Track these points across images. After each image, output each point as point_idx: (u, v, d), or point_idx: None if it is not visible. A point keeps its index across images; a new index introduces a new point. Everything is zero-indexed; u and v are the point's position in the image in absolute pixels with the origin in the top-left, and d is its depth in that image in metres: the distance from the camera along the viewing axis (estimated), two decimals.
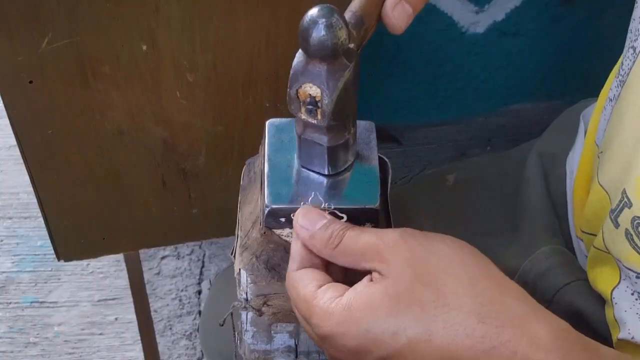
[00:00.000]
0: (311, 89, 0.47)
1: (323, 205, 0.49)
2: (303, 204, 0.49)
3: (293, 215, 0.49)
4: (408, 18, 0.49)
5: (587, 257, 0.62)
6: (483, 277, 0.44)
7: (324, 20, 0.45)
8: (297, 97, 0.47)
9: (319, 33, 0.45)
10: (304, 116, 0.48)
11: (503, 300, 0.43)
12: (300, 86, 0.47)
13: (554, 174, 0.69)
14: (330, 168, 0.51)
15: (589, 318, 0.59)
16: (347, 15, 0.48)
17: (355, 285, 0.45)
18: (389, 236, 0.45)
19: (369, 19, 0.49)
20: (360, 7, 0.49)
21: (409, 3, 0.49)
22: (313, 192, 0.50)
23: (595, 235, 0.56)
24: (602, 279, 0.55)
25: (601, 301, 0.58)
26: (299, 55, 0.47)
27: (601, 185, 0.53)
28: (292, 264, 0.48)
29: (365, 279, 0.45)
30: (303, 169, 0.52)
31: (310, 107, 0.47)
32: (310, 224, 0.47)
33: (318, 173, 0.52)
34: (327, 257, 0.47)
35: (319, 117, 0.47)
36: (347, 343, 0.44)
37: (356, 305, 0.44)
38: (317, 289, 0.46)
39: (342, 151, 0.51)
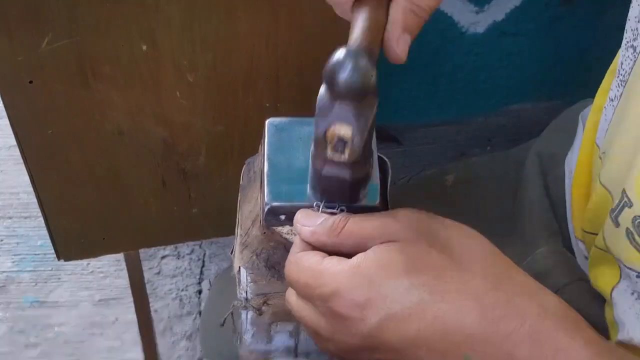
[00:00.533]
0: (341, 130, 0.46)
1: (337, 209, 0.49)
2: (315, 203, 0.49)
3: (294, 214, 0.49)
4: (408, 47, 0.50)
5: (586, 257, 0.62)
6: (493, 253, 0.45)
7: (352, 63, 0.44)
8: (324, 137, 0.46)
9: (349, 76, 0.44)
10: (329, 155, 0.47)
11: (513, 274, 0.44)
12: (329, 127, 0.46)
13: (553, 174, 0.69)
14: (350, 201, 0.51)
15: (588, 319, 0.59)
16: (354, 45, 0.47)
17: (365, 251, 0.44)
18: (397, 213, 0.45)
19: (375, 48, 0.49)
20: (365, 36, 0.48)
21: (408, 33, 0.50)
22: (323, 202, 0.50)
23: (596, 234, 0.56)
24: (603, 278, 0.55)
25: (600, 302, 0.58)
26: (322, 95, 0.46)
27: (603, 185, 0.53)
28: (294, 248, 0.47)
29: (376, 246, 0.44)
30: (304, 168, 0.52)
31: (339, 146, 0.47)
32: (311, 221, 0.47)
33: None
34: (333, 245, 0.46)
35: (347, 155, 0.46)
36: (355, 298, 0.43)
37: (367, 263, 0.43)
38: (322, 258, 0.45)
39: (363, 183, 0.50)
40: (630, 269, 0.50)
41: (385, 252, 0.43)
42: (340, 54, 0.45)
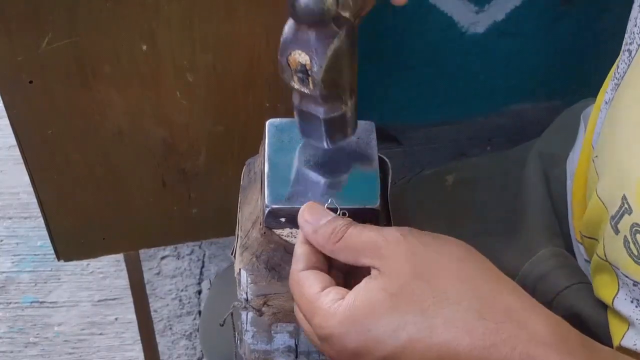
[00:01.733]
0: (300, 56, 0.46)
1: (339, 212, 0.49)
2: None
3: (294, 217, 0.49)
4: None
5: (586, 260, 0.61)
6: (480, 274, 0.45)
7: None
8: (289, 65, 0.46)
9: (305, 1, 0.44)
10: (296, 85, 0.47)
11: (501, 297, 0.44)
12: (290, 53, 0.46)
13: (554, 175, 0.69)
14: (328, 141, 0.51)
15: (589, 321, 0.58)
16: None
17: (356, 287, 0.45)
18: (390, 233, 0.46)
19: None
20: None
21: None
22: (330, 199, 0.50)
23: (596, 239, 0.56)
24: (604, 289, 0.55)
25: (601, 304, 0.58)
26: (289, 23, 0.46)
27: (599, 196, 0.53)
28: (298, 263, 0.48)
29: (366, 278, 0.45)
30: (304, 169, 0.52)
31: (301, 75, 0.47)
32: (315, 219, 0.48)
33: (317, 146, 0.51)
34: (329, 252, 0.47)
35: (311, 85, 0.46)
36: (347, 344, 0.44)
37: (357, 304, 0.44)
38: (320, 291, 0.46)
39: (340, 124, 0.50)
40: (627, 277, 0.50)
41: (373, 291, 0.44)
42: None
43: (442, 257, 0.45)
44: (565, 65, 1.21)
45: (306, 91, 0.47)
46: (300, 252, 0.48)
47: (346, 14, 0.46)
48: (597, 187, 0.54)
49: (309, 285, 0.46)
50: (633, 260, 0.48)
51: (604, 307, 0.58)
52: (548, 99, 1.24)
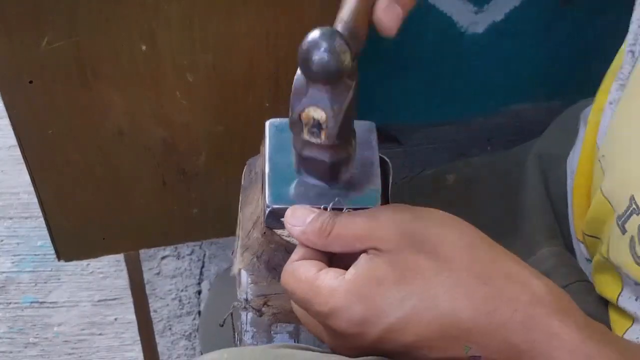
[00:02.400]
0: (315, 112, 0.46)
1: (345, 210, 0.49)
2: (323, 207, 0.49)
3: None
4: (399, 19, 0.49)
5: (587, 260, 0.62)
6: (477, 243, 0.45)
7: (326, 44, 0.43)
8: (300, 119, 0.46)
9: (321, 58, 0.43)
10: (306, 137, 0.47)
11: (500, 263, 0.44)
12: (304, 109, 0.46)
13: (554, 175, 0.69)
14: (332, 182, 0.51)
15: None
16: (339, 26, 0.46)
17: (356, 263, 0.45)
18: (380, 215, 0.46)
19: (362, 28, 0.48)
20: (352, 16, 0.47)
21: (398, 4, 0.49)
22: (337, 198, 0.50)
23: (599, 238, 0.56)
24: (607, 287, 0.55)
25: (601, 303, 0.58)
26: (299, 76, 0.46)
27: (604, 195, 0.53)
28: (293, 256, 0.48)
29: (364, 255, 0.45)
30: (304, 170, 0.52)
31: (314, 129, 0.46)
32: (300, 221, 0.48)
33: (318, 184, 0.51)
34: (323, 247, 0.47)
35: (323, 138, 0.46)
36: (352, 316, 0.44)
37: (360, 278, 0.44)
38: (318, 271, 0.46)
39: (344, 165, 0.50)
40: (628, 277, 0.50)
41: (375, 265, 0.44)
42: (314, 34, 0.44)
43: (438, 229, 0.45)
44: (565, 66, 1.21)
45: (317, 141, 0.47)
46: (296, 249, 0.49)
47: (355, 63, 0.46)
48: (602, 185, 0.54)
49: (305, 270, 0.46)
50: (635, 261, 0.49)
51: (604, 305, 0.58)
52: (548, 99, 1.24)
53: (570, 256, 0.63)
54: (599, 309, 0.58)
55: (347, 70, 0.44)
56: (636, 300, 0.52)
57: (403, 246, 0.44)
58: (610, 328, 0.56)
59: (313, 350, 0.48)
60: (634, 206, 0.49)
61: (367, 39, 0.49)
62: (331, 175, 0.50)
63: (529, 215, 0.68)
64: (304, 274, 0.46)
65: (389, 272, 0.44)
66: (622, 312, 0.54)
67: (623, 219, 0.50)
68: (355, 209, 0.49)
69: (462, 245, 0.45)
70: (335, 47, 0.43)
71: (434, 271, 0.43)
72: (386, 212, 0.46)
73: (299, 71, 0.46)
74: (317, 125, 0.46)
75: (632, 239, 0.48)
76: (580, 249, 0.63)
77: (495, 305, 0.42)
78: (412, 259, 0.44)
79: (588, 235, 0.59)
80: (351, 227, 0.46)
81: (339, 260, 0.48)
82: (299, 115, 0.46)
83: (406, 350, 0.44)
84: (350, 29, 0.46)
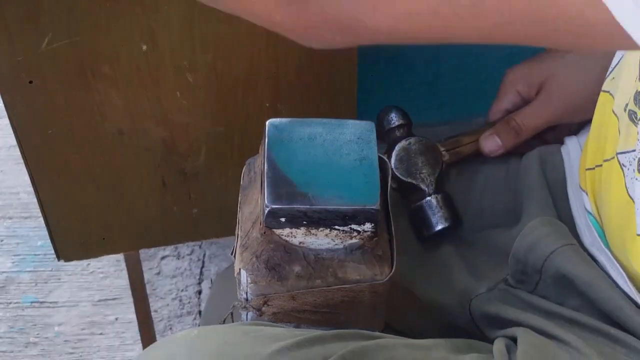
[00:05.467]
0: None
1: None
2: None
3: (294, 217, 0.49)
4: (497, 148, 0.66)
5: (589, 212, 0.62)
6: None
7: None
8: None
9: None
10: None
11: None
12: None
13: (551, 162, 0.70)
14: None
15: (576, 280, 0.59)
16: None
17: None
18: None
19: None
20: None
21: (499, 138, 0.63)
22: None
23: (600, 165, 0.57)
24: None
25: (589, 263, 0.59)
26: None
27: (614, 113, 0.54)
28: None
29: None
30: (304, 169, 0.52)
31: None
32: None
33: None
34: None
35: None
36: None
37: None
38: None
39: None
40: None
41: None
42: None
43: None
44: None
45: None
46: None
47: None
48: (613, 107, 0.55)
49: None
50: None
51: (592, 266, 0.58)
52: None
53: (559, 223, 0.64)
54: (586, 270, 0.58)
55: None
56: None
57: None
58: (598, 290, 0.58)
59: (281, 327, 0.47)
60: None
61: None
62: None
63: (526, 199, 0.69)
64: None
65: None
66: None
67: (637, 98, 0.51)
68: (354, 209, 0.49)
69: None
70: None
71: None
72: None
73: None
74: None
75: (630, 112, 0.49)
76: (584, 200, 0.63)
77: None
78: None
79: (591, 169, 0.60)
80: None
81: None
82: None
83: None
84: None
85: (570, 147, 0.69)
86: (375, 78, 1.14)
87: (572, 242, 0.61)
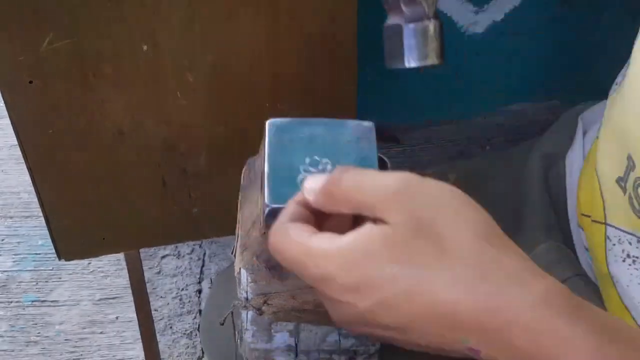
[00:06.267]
0: None
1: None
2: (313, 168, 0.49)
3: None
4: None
5: (586, 248, 0.62)
6: (489, 235, 0.44)
7: None
8: None
9: None
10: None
11: (506, 260, 0.43)
12: None
13: (553, 173, 0.69)
14: (409, 58, 0.50)
15: None
16: None
17: (356, 230, 0.43)
18: (391, 186, 0.44)
19: None
20: None
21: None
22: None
23: (590, 217, 0.57)
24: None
25: (598, 296, 0.58)
26: None
27: (596, 172, 0.54)
28: (282, 217, 0.46)
29: (368, 223, 0.43)
30: (304, 169, 0.52)
31: None
32: (314, 183, 0.47)
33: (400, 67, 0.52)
34: (331, 208, 0.45)
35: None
36: (345, 283, 0.42)
37: (357, 246, 0.42)
38: (311, 235, 0.44)
39: (421, 38, 0.51)
40: (632, 234, 0.50)
41: (373, 238, 0.42)
42: None
43: (448, 217, 0.43)
44: (565, 65, 1.21)
45: None
46: (288, 209, 0.47)
47: None
48: (596, 165, 0.54)
49: (298, 232, 0.44)
50: (636, 215, 0.48)
51: (601, 298, 0.58)
52: (547, 98, 1.24)
53: (569, 251, 0.64)
54: (597, 302, 0.58)
55: None
56: (624, 261, 0.52)
57: (410, 226, 0.42)
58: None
59: None
60: (630, 164, 0.48)
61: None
62: (407, 49, 0.50)
63: (529, 212, 0.68)
64: (296, 235, 0.44)
65: (388, 246, 0.42)
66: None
67: (624, 179, 0.49)
68: None
69: (471, 238, 0.43)
70: None
71: (435, 259, 0.42)
72: (398, 184, 0.44)
73: None
74: None
75: (629, 196, 0.48)
76: (580, 237, 0.63)
77: (498, 303, 0.41)
78: (416, 242, 0.42)
79: (585, 215, 0.59)
80: (359, 192, 0.44)
81: (330, 230, 0.46)
82: None
83: (398, 329, 0.43)
84: None
85: (574, 158, 0.68)
86: (375, 78, 1.14)
87: (583, 273, 0.61)
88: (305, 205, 0.47)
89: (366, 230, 0.43)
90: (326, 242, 0.43)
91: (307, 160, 0.54)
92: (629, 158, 0.49)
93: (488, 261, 0.42)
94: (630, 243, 0.50)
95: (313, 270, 0.43)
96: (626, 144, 0.50)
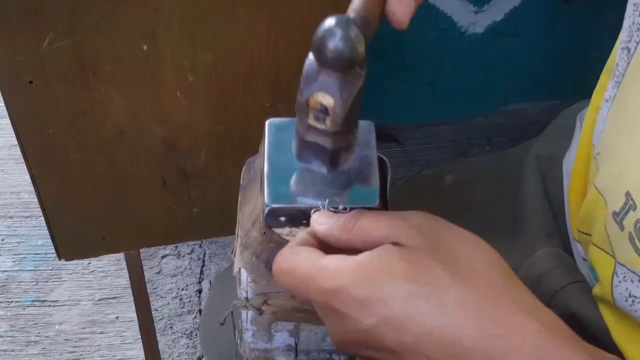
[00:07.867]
0: (324, 99, 0.45)
1: (340, 207, 0.49)
2: (320, 203, 0.49)
3: (294, 216, 0.49)
4: (411, 12, 0.48)
5: (584, 259, 0.62)
6: (499, 267, 0.45)
7: (341, 32, 0.43)
8: (307, 104, 0.46)
9: (336, 45, 0.43)
10: (311, 122, 0.47)
11: (515, 291, 0.44)
12: (312, 94, 0.45)
13: (552, 176, 0.69)
14: (331, 168, 0.51)
15: (584, 321, 0.59)
16: (352, 14, 0.46)
17: (371, 251, 0.44)
18: (409, 217, 0.45)
19: (374, 18, 0.47)
20: (364, 5, 0.46)
21: None
22: (334, 197, 0.50)
23: (589, 235, 0.56)
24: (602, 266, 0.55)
25: (596, 303, 0.58)
26: (310, 61, 0.45)
27: (597, 189, 0.53)
28: (291, 242, 0.47)
29: (385, 245, 0.44)
30: (304, 169, 0.52)
31: (320, 115, 0.46)
32: (326, 220, 0.47)
33: (316, 171, 0.51)
34: (345, 240, 0.46)
35: (329, 124, 0.46)
36: (356, 295, 0.43)
37: (372, 263, 0.43)
38: (322, 255, 0.45)
39: (344, 152, 0.50)
40: (633, 272, 0.50)
41: (390, 256, 0.43)
42: (330, 22, 0.44)
43: (463, 244, 0.45)
44: (564, 65, 1.21)
45: (321, 127, 0.47)
46: (298, 236, 0.47)
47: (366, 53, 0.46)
48: (595, 181, 0.54)
49: (308, 252, 0.45)
50: (638, 254, 0.48)
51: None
52: (547, 99, 1.24)
53: (567, 257, 0.63)
54: (593, 311, 0.58)
55: (360, 59, 0.44)
56: (626, 300, 0.52)
57: (426, 248, 0.43)
58: (605, 330, 0.56)
59: None
60: (630, 202, 0.48)
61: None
62: (331, 162, 0.50)
63: (527, 216, 0.67)
64: (308, 253, 0.45)
65: (403, 265, 0.43)
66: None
67: (620, 215, 0.49)
68: (352, 209, 0.50)
69: (483, 267, 0.44)
70: (351, 36, 0.43)
71: (449, 282, 0.42)
72: (416, 216, 0.45)
73: (310, 55, 0.46)
74: (324, 111, 0.46)
75: (630, 235, 0.48)
76: (577, 248, 0.63)
77: (503, 330, 0.41)
78: (431, 264, 0.43)
79: (582, 232, 0.59)
80: (376, 224, 0.45)
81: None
82: (307, 100, 0.46)
83: (402, 352, 0.43)
84: (362, 18, 0.46)
85: (570, 161, 0.68)
86: (375, 78, 1.14)
87: (582, 280, 0.61)
88: (314, 237, 0.47)
89: (385, 248, 0.44)
90: (339, 259, 0.44)
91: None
92: (628, 195, 0.49)
93: (499, 290, 0.43)
94: (632, 281, 0.51)
95: (325, 282, 0.44)
96: (624, 178, 0.50)
